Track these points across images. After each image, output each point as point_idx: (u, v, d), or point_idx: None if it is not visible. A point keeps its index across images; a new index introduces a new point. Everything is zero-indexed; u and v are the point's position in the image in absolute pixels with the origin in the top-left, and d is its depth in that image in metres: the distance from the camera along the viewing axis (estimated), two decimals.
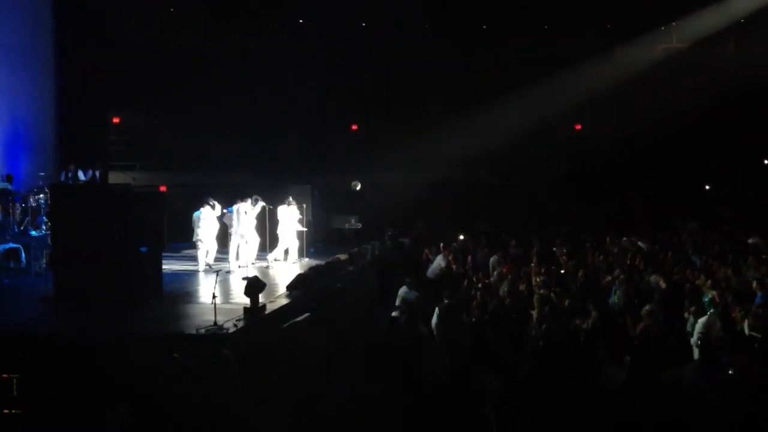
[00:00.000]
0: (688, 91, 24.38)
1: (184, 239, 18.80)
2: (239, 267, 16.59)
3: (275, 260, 17.43)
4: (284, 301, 13.13)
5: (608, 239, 18.32)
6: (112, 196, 14.27)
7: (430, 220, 22.91)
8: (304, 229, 18.25)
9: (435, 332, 11.46)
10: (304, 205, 18.25)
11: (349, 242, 18.98)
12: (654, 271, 14.19)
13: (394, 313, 11.94)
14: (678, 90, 24.84)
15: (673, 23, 26.43)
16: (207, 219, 16.61)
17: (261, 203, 17.04)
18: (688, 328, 10.79)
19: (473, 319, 11.62)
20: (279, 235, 17.66)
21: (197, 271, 16.29)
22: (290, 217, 17.68)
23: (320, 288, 14.13)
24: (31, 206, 16.54)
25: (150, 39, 23.38)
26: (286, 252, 17.77)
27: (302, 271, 14.99)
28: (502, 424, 7.02)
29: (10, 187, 16.35)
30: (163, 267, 14.45)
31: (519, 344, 9.83)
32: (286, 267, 17.17)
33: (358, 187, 21.89)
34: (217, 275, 12.18)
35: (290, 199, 17.82)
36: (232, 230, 16.83)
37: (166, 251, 15.04)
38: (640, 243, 17.66)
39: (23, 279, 15.24)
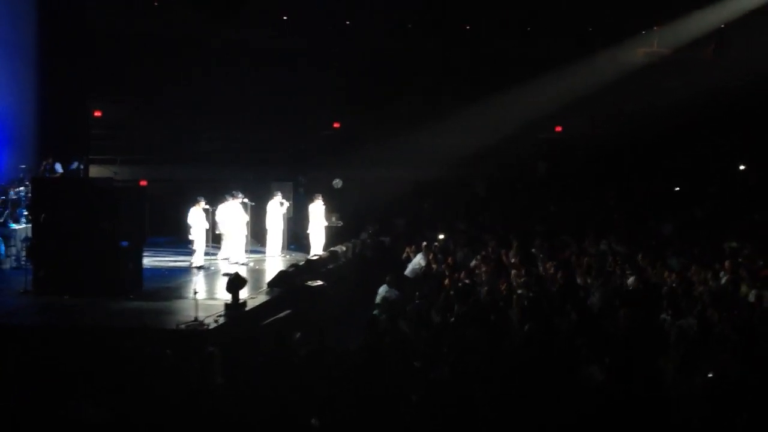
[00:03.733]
0: (666, 95, 24.69)
1: (164, 234, 18.77)
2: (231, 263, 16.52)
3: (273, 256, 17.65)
4: (265, 298, 13.17)
5: (587, 241, 18.47)
6: (93, 190, 14.26)
7: (410, 219, 22.97)
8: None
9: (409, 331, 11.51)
10: (287, 202, 18.25)
11: (330, 239, 18.98)
12: (631, 274, 14.39)
13: (374, 312, 12.01)
14: (657, 93, 25.13)
15: (656, 28, 26.74)
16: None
17: (242, 199, 16.99)
18: (666, 329, 10.95)
19: (451, 319, 11.68)
20: (268, 229, 17.71)
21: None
22: (275, 213, 17.75)
23: (301, 285, 14.16)
24: (12, 199, 16.43)
25: (133, 31, 23.28)
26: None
27: (283, 268, 15.01)
28: (481, 423, 7.09)
29: None
30: (145, 262, 14.44)
31: (498, 344, 9.91)
32: (266, 263, 17.18)
33: (340, 185, 21.91)
34: (200, 271, 12.20)
35: (278, 194, 17.88)
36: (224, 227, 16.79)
37: (147, 246, 14.99)
38: (617, 246, 17.84)
39: (2, 272, 15.17)
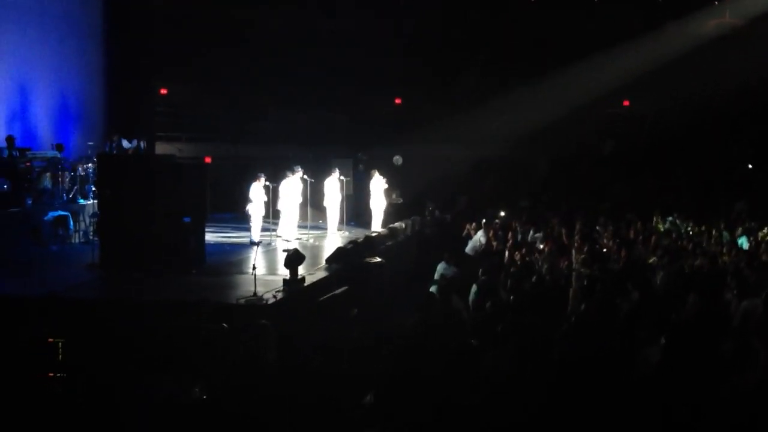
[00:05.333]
0: (738, 69, 23.76)
1: (228, 210, 19.06)
2: (285, 240, 16.67)
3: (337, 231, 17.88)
4: (323, 274, 13.25)
5: (654, 219, 18.03)
6: (157, 167, 14.56)
7: (472, 197, 22.79)
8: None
9: (471, 308, 11.44)
10: (345, 178, 18.31)
11: (390, 216, 18.99)
12: (700, 253, 13.99)
13: (431, 289, 11.95)
14: (729, 67, 24.21)
15: None
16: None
17: (302, 175, 17.10)
18: (731, 310, 10.63)
19: (511, 297, 11.56)
20: (327, 206, 17.80)
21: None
22: (334, 189, 17.83)
23: (359, 262, 14.19)
24: (80, 175, 16.89)
25: (197, 11, 23.54)
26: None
27: (342, 245, 15.08)
28: (535, 403, 6.99)
29: (59, 156, 16.71)
30: (208, 237, 14.69)
31: (556, 323, 9.75)
32: (326, 239, 17.29)
33: (400, 162, 21.87)
34: (258, 246, 12.32)
35: (336, 170, 17.94)
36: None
37: (210, 222, 15.24)
38: (685, 224, 17.39)
39: (71, 246, 15.63)
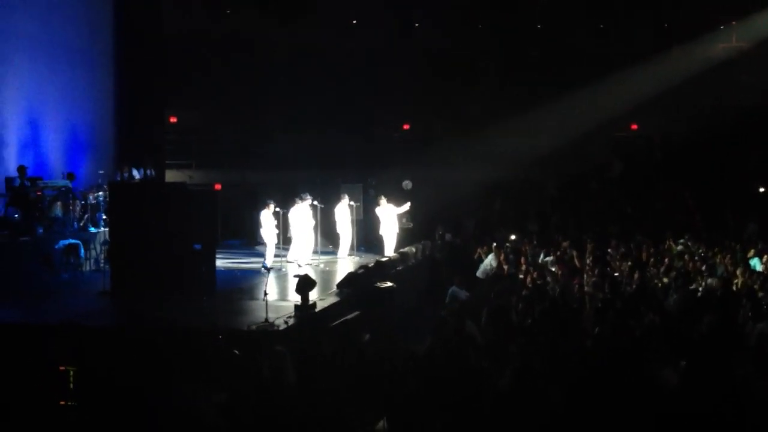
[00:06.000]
0: (746, 91, 23.78)
1: (238, 237, 19.05)
2: (299, 265, 16.65)
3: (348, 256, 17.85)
4: (335, 299, 13.21)
5: (667, 242, 17.94)
6: (167, 194, 14.62)
7: (481, 220, 22.76)
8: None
9: (483, 331, 11.37)
10: (355, 204, 18.32)
11: (401, 241, 18.95)
12: (710, 275, 13.92)
13: (443, 313, 11.90)
14: (737, 90, 24.25)
15: (734, 22, 25.84)
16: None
17: (311, 201, 17.11)
18: (747, 332, 10.54)
19: (524, 320, 11.50)
20: (339, 233, 17.83)
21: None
22: (345, 215, 17.83)
23: (370, 287, 14.16)
24: (91, 203, 16.91)
25: (205, 37, 23.75)
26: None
27: (353, 270, 15.05)
28: (556, 426, 6.93)
29: (70, 185, 16.77)
30: (219, 264, 14.69)
31: (571, 346, 9.69)
32: (337, 265, 17.26)
33: (409, 187, 21.86)
34: (269, 272, 12.32)
35: (346, 196, 17.96)
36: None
37: (221, 248, 15.25)
38: (696, 245, 17.30)
39: (82, 274, 15.64)
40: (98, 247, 16.26)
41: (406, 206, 18.24)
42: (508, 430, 6.99)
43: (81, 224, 16.60)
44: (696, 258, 15.92)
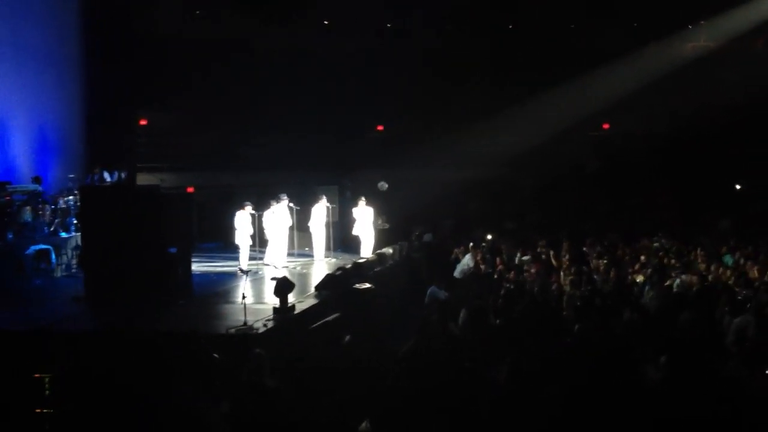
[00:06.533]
0: (718, 90, 24.07)
1: (213, 239, 18.87)
2: (275, 267, 16.53)
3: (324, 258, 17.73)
4: (313, 301, 13.11)
5: (642, 240, 18.08)
6: (141, 198, 14.39)
7: (457, 220, 22.78)
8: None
9: (461, 333, 11.34)
10: (332, 205, 18.22)
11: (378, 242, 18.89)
12: (685, 271, 14.04)
13: (426, 313, 11.86)
14: (708, 88, 24.52)
15: (702, 22, 26.17)
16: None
17: (288, 203, 17.01)
18: (723, 328, 10.63)
19: (503, 319, 11.49)
20: (313, 232, 17.72)
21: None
22: (320, 215, 17.73)
23: (349, 288, 14.07)
24: (61, 208, 16.65)
25: (177, 38, 23.49)
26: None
27: (330, 271, 14.95)
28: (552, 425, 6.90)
29: (39, 188, 16.48)
30: (194, 267, 14.50)
31: (550, 344, 9.69)
32: (313, 267, 17.15)
33: (385, 188, 21.80)
34: (246, 275, 12.18)
35: (323, 196, 17.87)
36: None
37: (197, 252, 15.07)
38: (671, 243, 17.46)
39: (54, 279, 15.36)
40: (70, 252, 16.01)
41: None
42: (501, 430, 6.96)
43: (51, 229, 16.31)
44: (670, 254, 16.07)
